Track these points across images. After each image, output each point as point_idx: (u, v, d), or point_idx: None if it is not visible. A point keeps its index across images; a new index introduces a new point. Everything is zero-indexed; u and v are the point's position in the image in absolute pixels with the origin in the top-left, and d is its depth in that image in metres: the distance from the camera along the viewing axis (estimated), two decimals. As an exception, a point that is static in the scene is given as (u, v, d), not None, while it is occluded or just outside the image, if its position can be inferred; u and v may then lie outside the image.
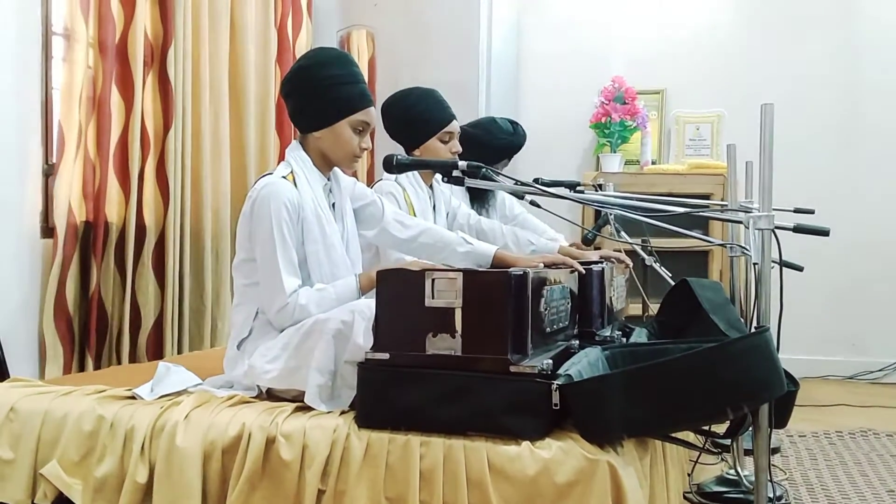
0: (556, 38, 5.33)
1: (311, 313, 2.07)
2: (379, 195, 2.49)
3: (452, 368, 1.77)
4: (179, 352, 3.64)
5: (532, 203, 2.28)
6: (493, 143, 3.31)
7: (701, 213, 2.52)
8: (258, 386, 2.10)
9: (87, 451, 1.93)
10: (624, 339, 2.43)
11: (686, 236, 2.42)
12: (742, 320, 2.46)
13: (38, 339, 3.18)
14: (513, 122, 3.42)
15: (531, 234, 3.04)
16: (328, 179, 2.31)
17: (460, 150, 2.95)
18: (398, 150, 2.85)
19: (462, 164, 2.17)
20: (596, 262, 2.56)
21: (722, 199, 4.22)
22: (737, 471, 2.75)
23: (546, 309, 1.96)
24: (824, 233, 2.13)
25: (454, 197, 3.07)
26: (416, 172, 2.87)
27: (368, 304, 1.95)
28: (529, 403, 1.72)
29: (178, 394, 2.08)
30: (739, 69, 5.11)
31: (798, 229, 2.08)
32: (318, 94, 2.22)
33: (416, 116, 2.86)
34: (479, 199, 3.30)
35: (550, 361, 1.75)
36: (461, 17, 4.56)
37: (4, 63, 3.09)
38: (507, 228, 3.02)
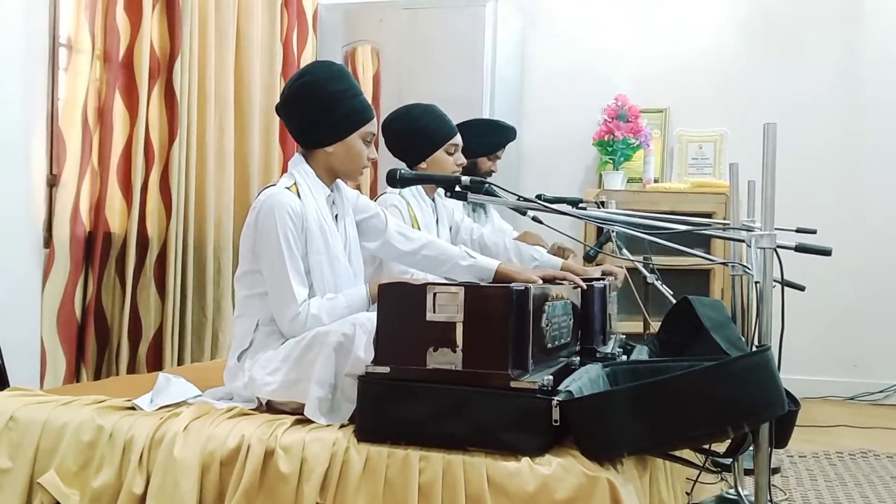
0: (560, 56, 5.34)
1: (323, 322, 2.07)
2: (383, 208, 2.50)
3: (453, 383, 1.77)
4: (180, 363, 3.63)
5: (534, 219, 2.28)
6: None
7: (703, 232, 2.51)
8: (258, 398, 2.10)
9: (86, 461, 1.93)
10: (625, 357, 2.43)
11: (688, 254, 2.42)
12: (743, 339, 2.46)
13: (38, 349, 3.18)
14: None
15: (534, 249, 3.04)
16: (331, 191, 2.32)
17: (465, 161, 2.96)
18: (400, 165, 2.86)
19: (465, 179, 2.18)
20: (598, 279, 2.56)
21: (724, 218, 4.22)
22: (737, 490, 2.74)
23: (548, 324, 1.95)
24: (826, 252, 2.13)
25: (457, 210, 3.07)
26: (419, 186, 2.88)
27: (370, 317, 1.96)
28: (529, 419, 1.72)
29: (178, 405, 2.08)
30: (743, 88, 5.11)
31: (800, 249, 2.07)
32: (331, 108, 2.22)
33: (421, 130, 2.88)
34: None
35: (551, 377, 1.75)
36: (466, 34, 4.58)
37: (11, 74, 3.10)
38: (511, 243, 3.02)
